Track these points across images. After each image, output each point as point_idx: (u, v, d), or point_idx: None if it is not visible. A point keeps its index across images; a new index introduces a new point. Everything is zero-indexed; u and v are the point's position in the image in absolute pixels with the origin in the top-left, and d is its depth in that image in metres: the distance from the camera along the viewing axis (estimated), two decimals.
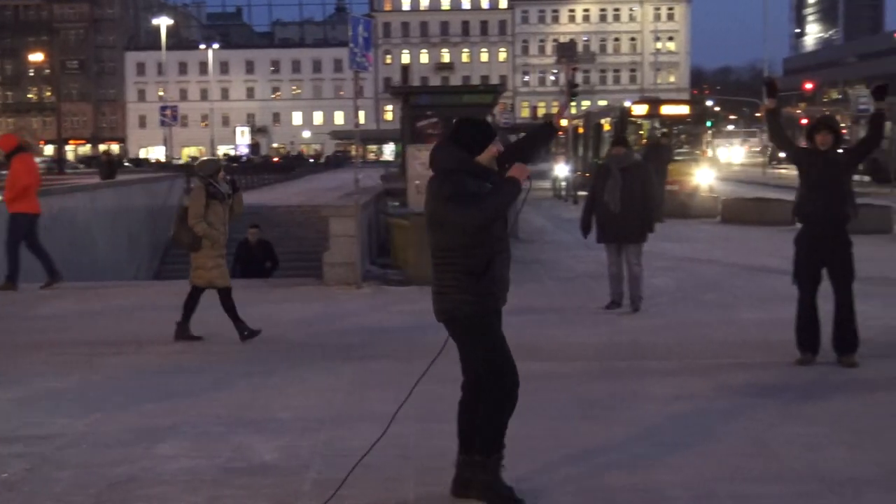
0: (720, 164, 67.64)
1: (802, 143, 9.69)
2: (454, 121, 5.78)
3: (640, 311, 12.19)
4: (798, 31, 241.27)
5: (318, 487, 6.05)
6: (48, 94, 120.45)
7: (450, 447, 6.65)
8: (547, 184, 39.40)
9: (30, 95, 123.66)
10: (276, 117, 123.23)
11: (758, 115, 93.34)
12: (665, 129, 33.91)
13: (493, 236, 5.60)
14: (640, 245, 12.35)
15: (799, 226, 9.44)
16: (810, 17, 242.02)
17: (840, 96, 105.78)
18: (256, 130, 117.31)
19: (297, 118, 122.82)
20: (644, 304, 12.32)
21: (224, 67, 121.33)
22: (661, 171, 23.09)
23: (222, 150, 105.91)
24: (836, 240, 9.11)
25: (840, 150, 9.29)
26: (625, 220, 12.07)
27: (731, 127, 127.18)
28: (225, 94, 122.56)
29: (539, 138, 6.13)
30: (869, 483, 6.05)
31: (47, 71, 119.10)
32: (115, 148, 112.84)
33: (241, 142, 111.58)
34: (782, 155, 15.68)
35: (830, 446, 6.80)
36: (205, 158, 12.36)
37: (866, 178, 42.88)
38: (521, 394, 8.33)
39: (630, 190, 12.02)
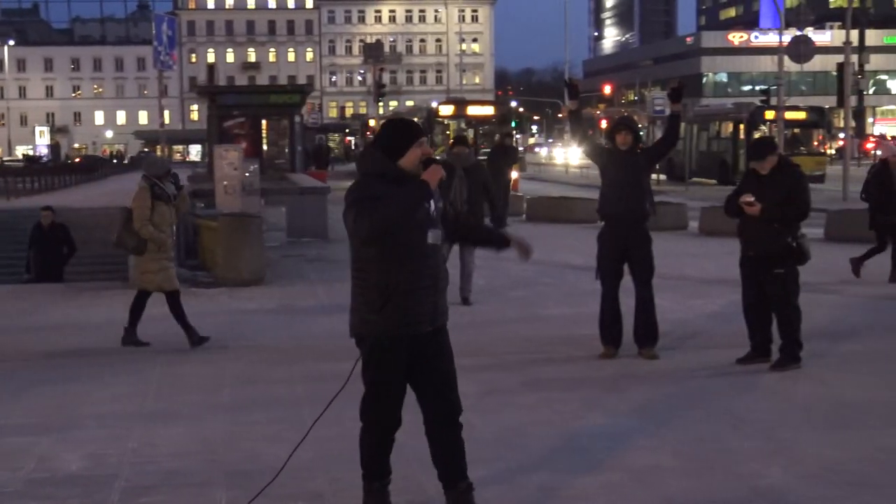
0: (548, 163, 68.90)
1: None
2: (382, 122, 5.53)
3: (453, 308, 12.28)
4: (597, 34, 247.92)
5: (127, 496, 5.92)
6: None
7: (261, 450, 6.63)
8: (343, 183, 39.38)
9: None
10: (77, 117, 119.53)
11: (560, 115, 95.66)
12: (472, 129, 34.45)
13: (413, 251, 5.09)
14: None
15: (602, 223, 9.73)
16: (608, 21, 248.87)
17: (637, 98, 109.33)
18: (56, 130, 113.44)
19: (99, 118, 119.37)
20: (454, 302, 12.43)
21: (21, 65, 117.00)
22: (506, 171, 23.46)
23: (21, 150, 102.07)
24: (637, 236, 9.43)
25: (639, 150, 9.63)
26: (469, 220, 12.17)
27: (535, 127, 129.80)
28: (22, 93, 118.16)
29: (488, 243, 5.90)
30: (670, 470, 6.30)
31: None
32: None
33: (41, 142, 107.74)
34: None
35: (633, 436, 7.04)
36: (153, 157, 11.03)
37: (663, 177, 44.42)
38: (333, 392, 8.36)
39: (473, 189, 12.20)
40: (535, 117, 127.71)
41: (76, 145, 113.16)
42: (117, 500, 5.87)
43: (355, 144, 61.02)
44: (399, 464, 5.71)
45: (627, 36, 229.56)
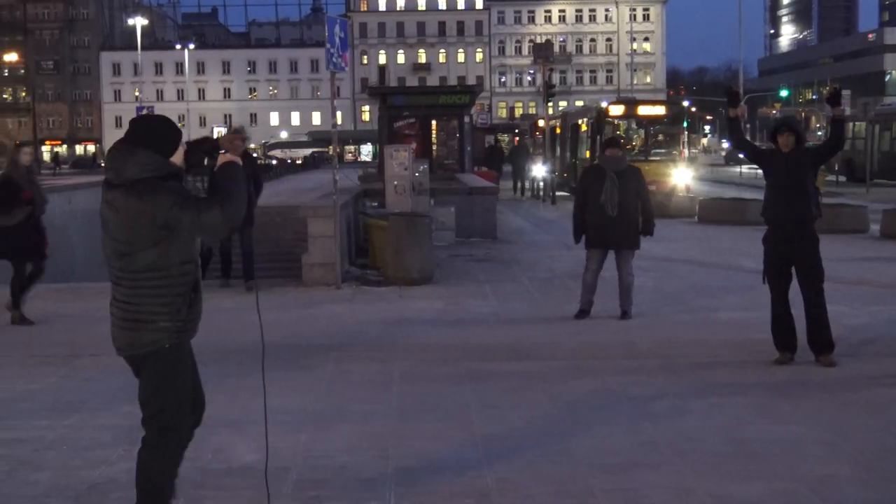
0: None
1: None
2: (132, 120, 5.12)
3: (616, 319, 11.99)
4: (773, 31, 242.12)
5: (299, 489, 6.05)
6: (23, 94, 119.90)
7: (428, 448, 6.69)
8: (509, 184, 39.34)
9: (5, 96, 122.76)
10: (253, 118, 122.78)
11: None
12: (642, 130, 34.07)
13: (195, 251, 5.03)
14: (633, 251, 11.93)
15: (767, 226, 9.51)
16: (784, 18, 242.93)
17: (815, 97, 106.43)
18: (234, 131, 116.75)
19: (274, 118, 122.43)
20: (614, 315, 11.92)
21: (200, 68, 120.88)
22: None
23: None
24: (802, 239, 9.17)
25: (806, 148, 9.39)
26: (621, 226, 11.64)
27: (707, 127, 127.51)
28: (201, 95, 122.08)
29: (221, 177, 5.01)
30: (847, 481, 6.09)
31: (22, 71, 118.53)
32: (91, 149, 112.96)
33: None
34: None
35: (808, 444, 6.84)
36: None
37: (842, 178, 43.11)
38: (501, 391, 8.40)
39: (626, 194, 11.62)
40: (708, 117, 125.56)
41: (252, 145, 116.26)
42: (290, 493, 6.00)
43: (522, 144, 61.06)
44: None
45: (805, 33, 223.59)
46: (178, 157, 5.00)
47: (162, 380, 5.07)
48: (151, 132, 4.95)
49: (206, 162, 5.06)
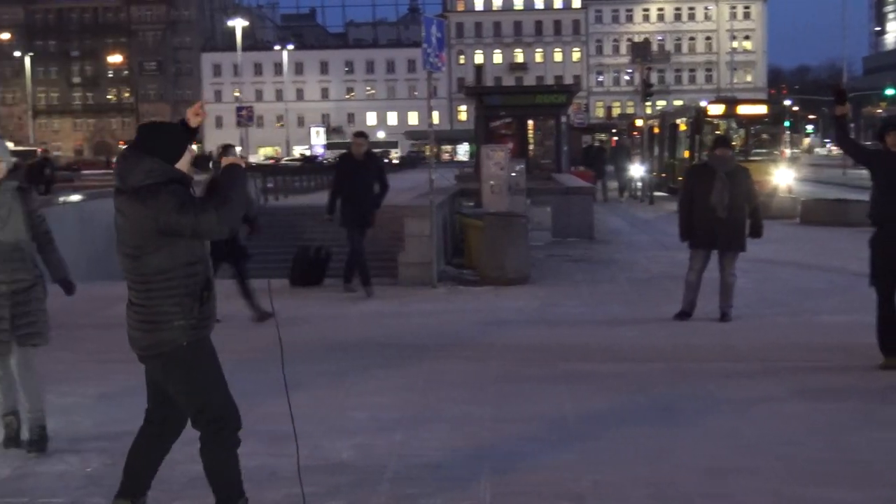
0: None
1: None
2: (140, 127, 5.20)
3: (715, 322, 11.79)
4: (878, 28, 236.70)
5: (395, 486, 6.08)
6: (127, 94, 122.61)
7: (523, 449, 6.67)
8: (614, 183, 39.03)
9: (109, 96, 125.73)
10: (350, 117, 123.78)
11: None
12: (743, 129, 33.60)
13: (204, 251, 5.11)
14: (738, 253, 11.68)
15: (874, 228, 9.29)
16: (890, 15, 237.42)
17: None
18: (331, 130, 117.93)
19: (371, 118, 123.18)
20: (714, 317, 11.72)
21: (298, 68, 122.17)
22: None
23: (298, 150, 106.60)
24: None
25: None
26: (730, 227, 11.41)
27: (810, 127, 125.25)
28: (300, 95, 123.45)
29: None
30: None
31: (126, 72, 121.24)
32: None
33: (317, 142, 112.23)
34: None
35: None
36: None
37: None
38: (597, 392, 8.34)
39: (736, 195, 11.36)
40: (811, 117, 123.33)
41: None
42: (386, 490, 6.02)
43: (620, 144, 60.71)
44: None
45: None
46: (184, 164, 5.10)
47: (192, 377, 5.17)
48: (157, 139, 5.06)
49: (210, 166, 5.15)
